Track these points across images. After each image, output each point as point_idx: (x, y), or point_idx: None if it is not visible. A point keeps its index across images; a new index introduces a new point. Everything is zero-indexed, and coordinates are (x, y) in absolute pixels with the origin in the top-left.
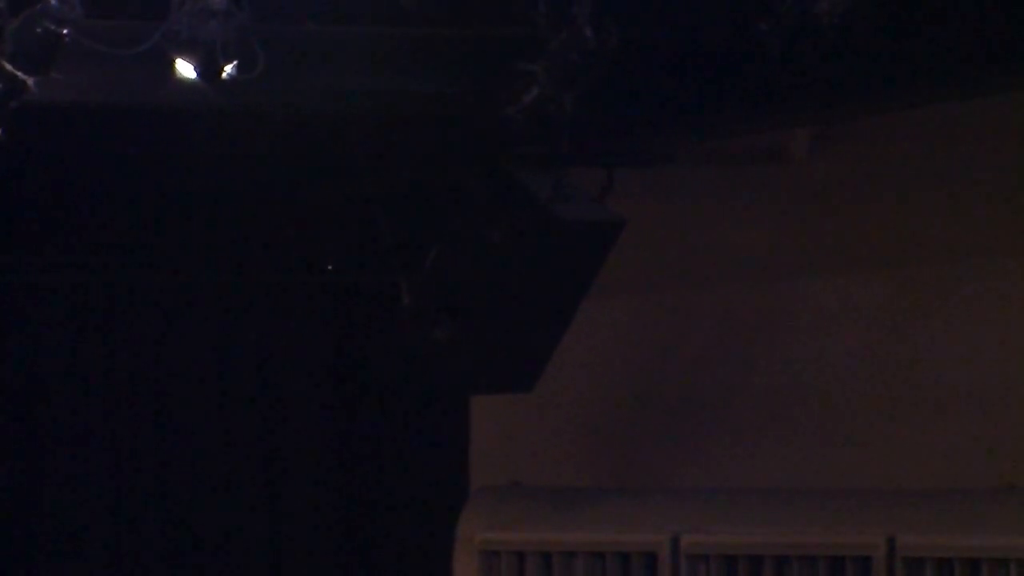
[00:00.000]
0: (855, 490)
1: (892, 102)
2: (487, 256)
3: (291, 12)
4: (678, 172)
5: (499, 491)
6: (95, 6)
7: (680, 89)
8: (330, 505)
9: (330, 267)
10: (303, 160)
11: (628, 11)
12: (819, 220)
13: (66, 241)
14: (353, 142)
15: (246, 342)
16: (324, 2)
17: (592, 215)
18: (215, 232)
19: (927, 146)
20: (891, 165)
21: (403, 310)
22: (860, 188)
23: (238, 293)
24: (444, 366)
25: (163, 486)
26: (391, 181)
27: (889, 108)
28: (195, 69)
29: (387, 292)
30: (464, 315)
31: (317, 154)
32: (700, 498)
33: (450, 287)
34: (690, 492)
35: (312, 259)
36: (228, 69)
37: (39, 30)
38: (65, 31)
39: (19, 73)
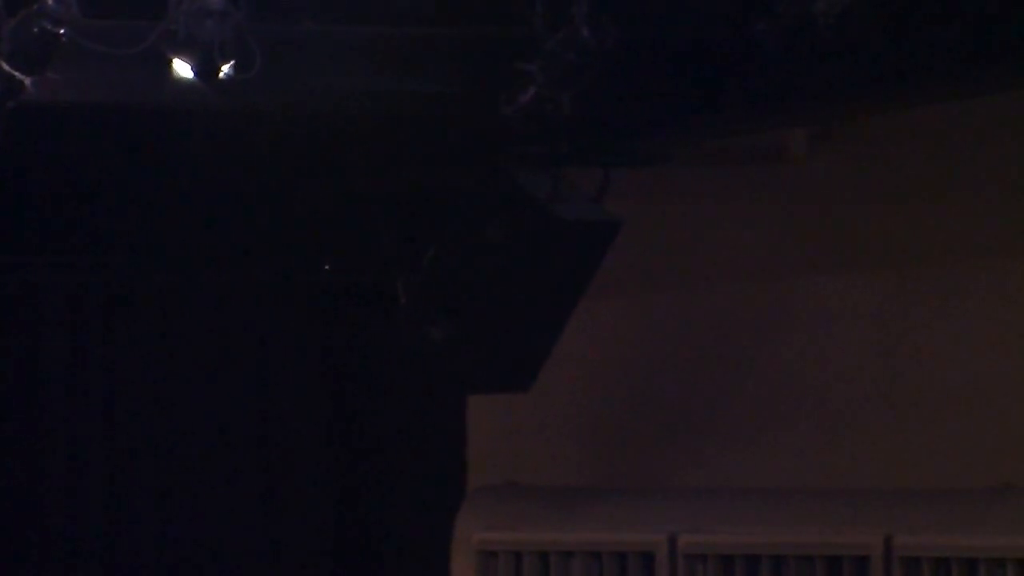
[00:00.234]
0: (852, 490)
1: (891, 102)
2: (484, 256)
3: (288, 11)
4: (676, 172)
5: (496, 491)
6: (92, 6)
7: (678, 89)
8: (327, 505)
9: (327, 267)
10: (300, 160)
11: (625, 11)
12: (818, 220)
13: (63, 241)
14: (349, 142)
15: (243, 341)
16: (321, 2)
17: (589, 215)
18: (211, 232)
19: (926, 146)
20: (890, 165)
21: (400, 310)
22: (859, 188)
23: (235, 293)
24: (441, 366)
25: (160, 486)
26: (388, 181)
27: (888, 108)
28: (192, 69)
29: (384, 292)
30: (461, 315)
31: (314, 154)
32: (697, 498)
33: (447, 287)
34: (688, 492)
35: (309, 259)
36: (225, 69)
37: (36, 30)
38: (62, 31)
39: (16, 73)
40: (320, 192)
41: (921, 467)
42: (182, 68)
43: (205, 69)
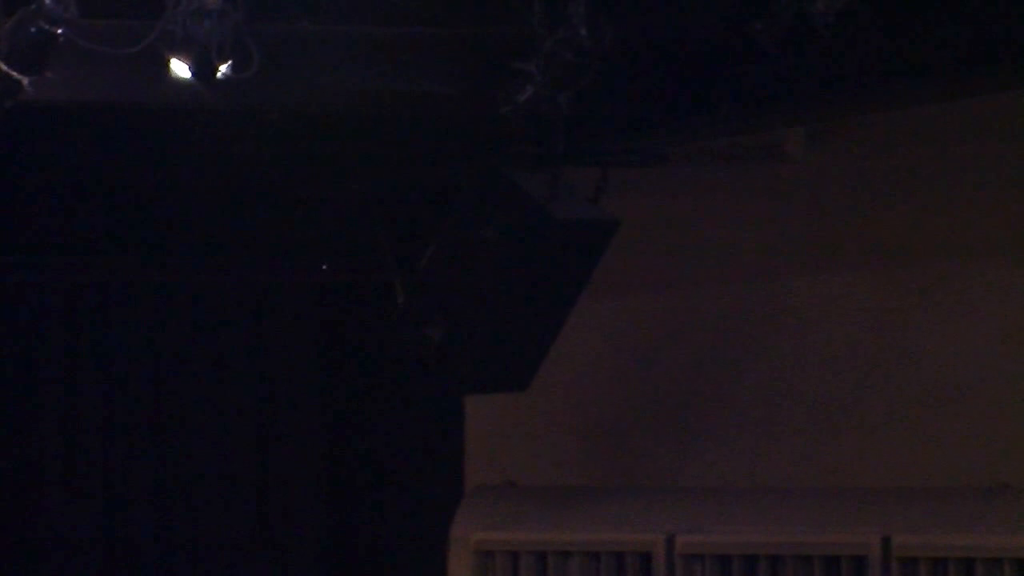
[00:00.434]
0: (850, 489)
1: (887, 101)
2: (482, 256)
3: (286, 12)
4: (673, 171)
5: (494, 491)
6: (89, 6)
7: (675, 88)
8: (325, 505)
9: (325, 266)
10: (296, 160)
11: (623, 11)
12: (815, 218)
13: (61, 240)
14: (347, 142)
15: (240, 340)
16: (319, 2)
17: (587, 214)
18: (209, 231)
19: (923, 144)
20: (887, 163)
21: (398, 309)
22: (856, 186)
23: (232, 292)
24: (439, 365)
25: (158, 486)
26: (386, 180)
27: (885, 107)
28: (190, 69)
29: (382, 291)
30: (459, 314)
31: (311, 154)
32: (695, 498)
33: (445, 286)
34: (685, 492)
35: (307, 258)
36: (223, 69)
37: (33, 30)
38: (60, 31)
39: (14, 73)
40: (317, 192)
41: (918, 467)
42: (180, 68)
43: (203, 69)
